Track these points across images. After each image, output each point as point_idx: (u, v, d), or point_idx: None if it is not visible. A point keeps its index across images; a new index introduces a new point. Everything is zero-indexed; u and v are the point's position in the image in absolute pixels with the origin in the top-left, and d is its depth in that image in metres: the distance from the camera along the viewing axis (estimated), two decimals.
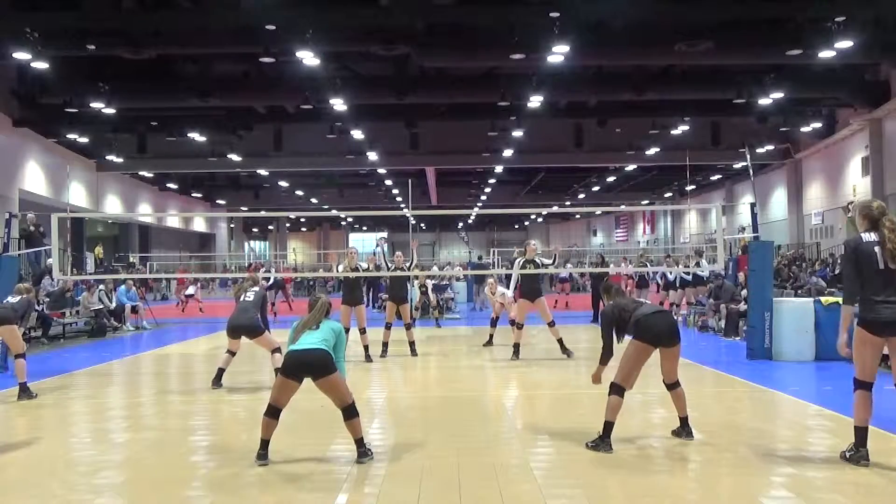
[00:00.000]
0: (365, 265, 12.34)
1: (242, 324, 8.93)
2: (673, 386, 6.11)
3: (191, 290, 24.97)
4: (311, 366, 5.46)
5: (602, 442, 5.77)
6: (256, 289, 9.33)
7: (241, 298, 9.19)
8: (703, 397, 8.14)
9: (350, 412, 5.55)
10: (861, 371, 5.29)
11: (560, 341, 11.19)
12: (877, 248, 5.12)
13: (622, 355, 5.95)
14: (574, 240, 57.81)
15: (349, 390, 5.63)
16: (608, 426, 5.79)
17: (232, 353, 9.16)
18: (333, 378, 5.48)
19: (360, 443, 5.59)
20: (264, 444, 5.54)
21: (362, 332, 11.24)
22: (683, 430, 6.13)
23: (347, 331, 11.02)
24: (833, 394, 8.16)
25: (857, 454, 5.31)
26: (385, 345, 11.67)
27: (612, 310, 6.08)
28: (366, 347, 11.24)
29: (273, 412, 5.56)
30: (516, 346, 11.16)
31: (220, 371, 9.10)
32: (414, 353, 11.74)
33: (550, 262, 11.69)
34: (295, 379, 5.51)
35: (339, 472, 5.40)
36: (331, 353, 5.52)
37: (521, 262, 11.28)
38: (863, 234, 5.26)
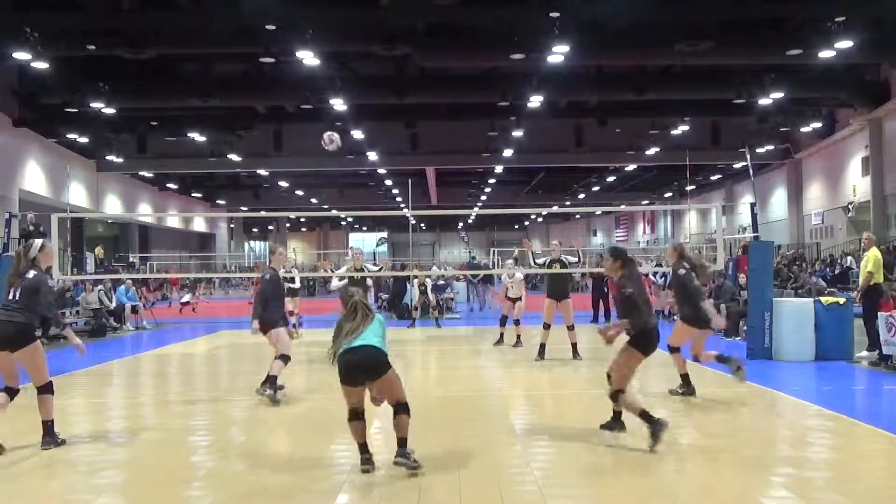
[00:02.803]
0: (374, 267, 12.24)
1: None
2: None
3: (187, 298, 24.52)
4: (367, 367, 5.19)
5: (657, 429, 5.62)
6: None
7: None
8: (704, 397, 8.13)
9: (400, 408, 5.27)
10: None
11: (574, 345, 11.02)
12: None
13: (617, 360, 6.10)
14: (574, 240, 57.73)
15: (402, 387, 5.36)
16: (644, 415, 5.73)
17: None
18: (388, 377, 5.23)
19: (402, 442, 5.27)
20: (362, 448, 5.29)
21: None
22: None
23: None
24: (833, 394, 8.16)
25: (688, 390, 7.84)
26: None
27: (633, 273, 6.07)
28: None
29: (355, 415, 5.28)
30: (542, 347, 11.02)
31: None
32: None
33: (576, 260, 11.64)
34: (352, 385, 5.24)
35: (338, 472, 5.39)
36: (384, 350, 5.24)
37: (547, 262, 11.18)
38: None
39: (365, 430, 5.31)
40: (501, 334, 12.98)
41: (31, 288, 6.06)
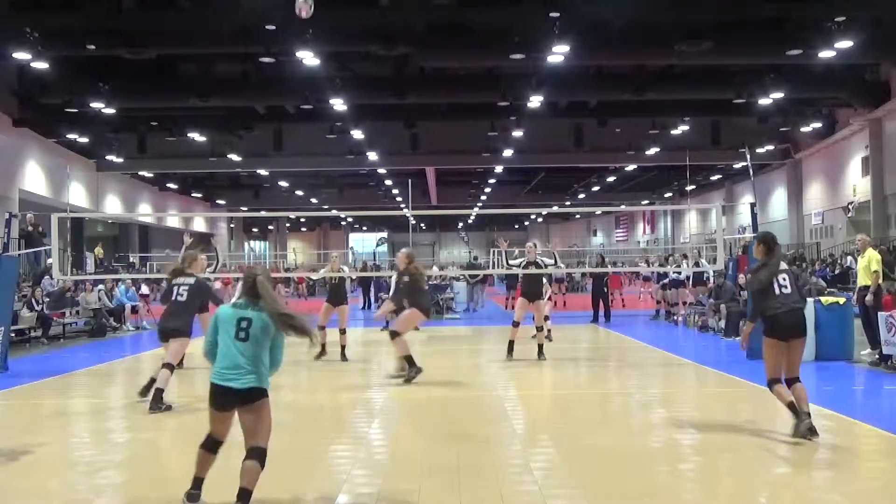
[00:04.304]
0: (347, 270, 12.29)
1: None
2: (794, 381, 6.10)
3: (145, 289, 23.94)
4: (240, 400, 4.35)
5: (801, 421, 5.85)
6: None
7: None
8: (704, 397, 8.15)
9: (257, 454, 4.29)
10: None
11: (541, 347, 10.90)
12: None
13: (764, 354, 6.13)
14: (574, 240, 57.85)
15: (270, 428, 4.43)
16: (792, 406, 5.92)
17: None
18: (259, 406, 4.37)
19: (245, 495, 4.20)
20: (197, 482, 4.42)
21: (342, 332, 11.20)
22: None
23: (322, 328, 11.00)
24: (833, 394, 8.16)
25: (414, 370, 9.08)
26: (322, 346, 11.09)
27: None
28: (343, 347, 11.21)
29: (213, 444, 4.49)
30: (510, 344, 10.93)
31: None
32: (344, 358, 11.20)
33: (552, 262, 11.62)
34: (226, 411, 4.44)
35: (339, 472, 5.39)
36: (263, 386, 4.38)
37: (522, 263, 11.15)
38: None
39: (210, 465, 4.50)
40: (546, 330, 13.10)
41: None
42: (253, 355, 4.36)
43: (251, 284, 4.45)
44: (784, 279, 6.05)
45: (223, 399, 4.37)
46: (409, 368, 9.14)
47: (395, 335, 9.25)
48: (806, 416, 5.88)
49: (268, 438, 4.37)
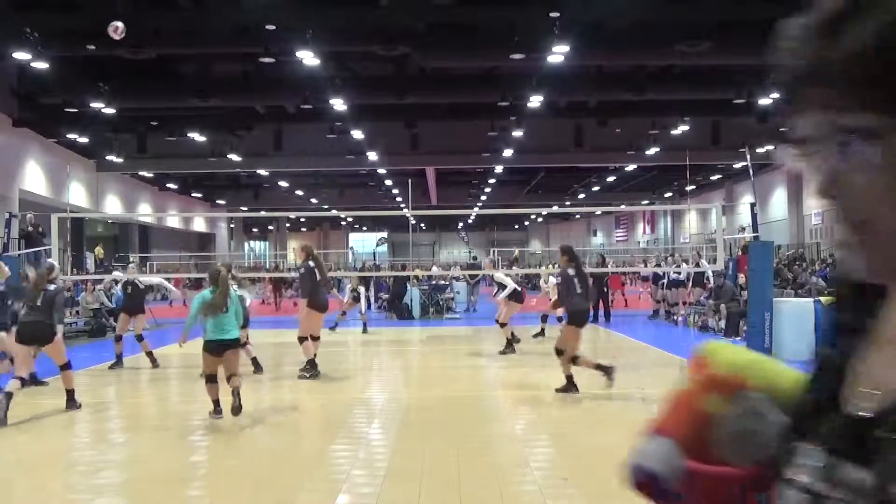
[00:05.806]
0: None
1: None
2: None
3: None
4: (227, 346, 7.27)
5: (570, 387, 7.95)
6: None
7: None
8: None
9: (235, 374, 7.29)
10: None
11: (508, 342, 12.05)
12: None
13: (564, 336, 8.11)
14: (574, 240, 57.87)
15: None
16: (599, 367, 7.96)
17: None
18: (236, 349, 7.47)
19: (235, 392, 7.17)
20: (216, 403, 7.17)
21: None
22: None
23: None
24: None
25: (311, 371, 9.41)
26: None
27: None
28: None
29: (213, 378, 7.23)
30: (509, 341, 11.96)
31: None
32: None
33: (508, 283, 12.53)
34: (219, 356, 7.22)
35: (338, 472, 5.40)
36: (238, 336, 7.50)
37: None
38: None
39: (218, 391, 7.24)
40: (543, 329, 13.98)
41: None
42: (231, 320, 7.29)
43: (216, 277, 7.43)
44: (579, 283, 7.99)
45: (218, 348, 7.21)
46: (310, 370, 9.44)
47: (301, 340, 9.49)
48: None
49: (238, 367, 7.38)
